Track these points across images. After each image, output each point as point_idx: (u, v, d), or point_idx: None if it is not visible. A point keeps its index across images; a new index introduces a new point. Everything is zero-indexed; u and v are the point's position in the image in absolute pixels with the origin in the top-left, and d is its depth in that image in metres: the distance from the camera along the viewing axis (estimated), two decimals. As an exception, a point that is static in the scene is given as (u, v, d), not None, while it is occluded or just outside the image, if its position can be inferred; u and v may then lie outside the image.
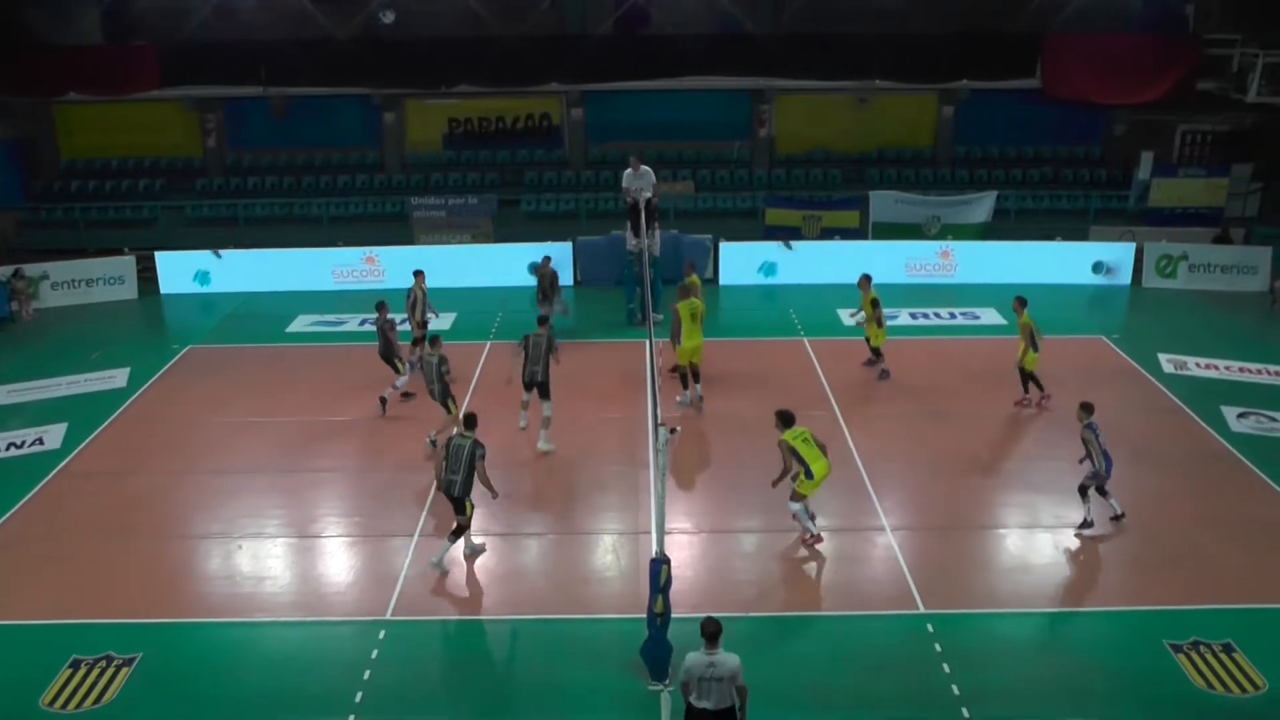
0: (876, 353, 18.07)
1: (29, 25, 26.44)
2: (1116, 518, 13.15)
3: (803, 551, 12.89)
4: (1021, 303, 16.64)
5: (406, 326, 18.11)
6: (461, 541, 12.50)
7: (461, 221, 25.67)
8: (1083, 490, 13.03)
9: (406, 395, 17.03)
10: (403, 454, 15.47)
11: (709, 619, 8.83)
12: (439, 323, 20.87)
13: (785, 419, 12.66)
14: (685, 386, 16.91)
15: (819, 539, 12.79)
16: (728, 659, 8.72)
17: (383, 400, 16.68)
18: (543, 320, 15.82)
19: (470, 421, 12.28)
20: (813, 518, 12.87)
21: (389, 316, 16.75)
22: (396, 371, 16.79)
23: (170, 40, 26.42)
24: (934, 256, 23.75)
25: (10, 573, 12.59)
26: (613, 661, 10.72)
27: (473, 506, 12.39)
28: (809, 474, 12.43)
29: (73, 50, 26.41)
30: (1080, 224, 25.46)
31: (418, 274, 18.33)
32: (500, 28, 26.51)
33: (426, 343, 15.58)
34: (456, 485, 12.04)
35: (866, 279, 18.02)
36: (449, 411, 15.00)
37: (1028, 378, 16.60)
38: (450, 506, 12.36)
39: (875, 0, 26.07)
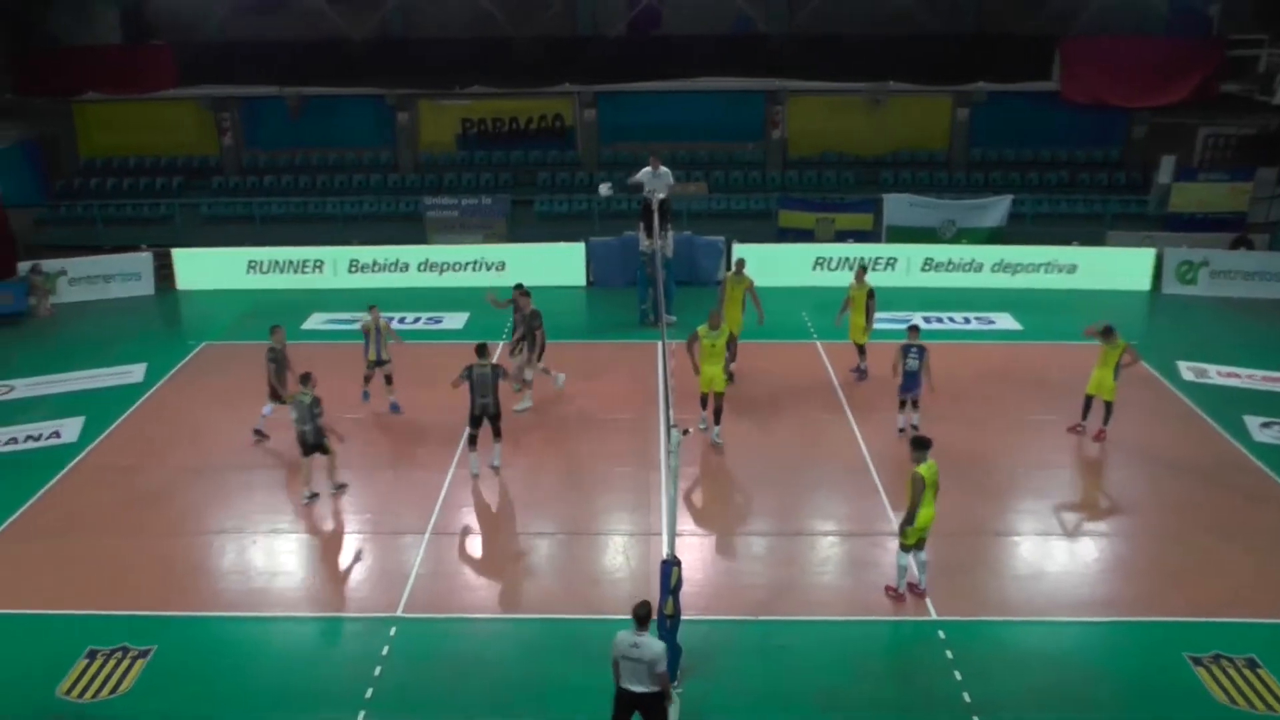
0: (861, 351, 17.90)
1: (49, 26, 26.66)
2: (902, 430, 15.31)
3: (815, 555, 12.87)
4: (1110, 331, 15.50)
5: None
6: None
7: (475, 222, 25.71)
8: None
9: (260, 436, 15.85)
10: (415, 452, 15.50)
11: (640, 603, 8.93)
12: (452, 321, 20.91)
13: (924, 446, 11.32)
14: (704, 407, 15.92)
15: (901, 596, 11.69)
16: (651, 643, 8.77)
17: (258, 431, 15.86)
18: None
19: (482, 350, 14.36)
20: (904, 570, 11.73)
21: (277, 344, 15.68)
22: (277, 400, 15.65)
23: (187, 40, 26.57)
24: (950, 260, 23.60)
25: (28, 564, 12.68)
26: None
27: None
28: (911, 518, 11.29)
29: (91, 50, 26.60)
30: (1098, 229, 25.28)
31: (372, 308, 17.05)
32: (513, 29, 26.54)
33: (300, 379, 13.99)
34: (491, 405, 14.33)
35: (862, 269, 18.18)
36: (327, 452, 14.06)
37: (1092, 404, 15.65)
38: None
39: (890, 1, 25.93)
